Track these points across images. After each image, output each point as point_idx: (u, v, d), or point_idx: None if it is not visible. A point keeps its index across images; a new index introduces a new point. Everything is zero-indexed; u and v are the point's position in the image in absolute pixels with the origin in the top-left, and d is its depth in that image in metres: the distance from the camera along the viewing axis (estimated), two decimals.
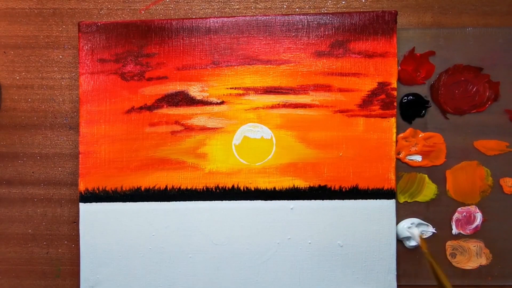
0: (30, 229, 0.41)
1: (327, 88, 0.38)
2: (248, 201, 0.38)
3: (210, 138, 0.39)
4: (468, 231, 0.39)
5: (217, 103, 0.39)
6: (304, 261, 0.38)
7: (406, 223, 0.39)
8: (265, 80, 0.38)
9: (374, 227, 0.38)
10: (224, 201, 0.38)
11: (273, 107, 0.38)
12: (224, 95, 0.38)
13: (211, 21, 0.38)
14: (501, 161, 0.39)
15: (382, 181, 0.38)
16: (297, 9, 0.40)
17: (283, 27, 0.38)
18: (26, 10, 0.41)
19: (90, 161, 0.39)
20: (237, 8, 0.40)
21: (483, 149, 0.39)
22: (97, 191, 0.39)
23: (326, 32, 0.38)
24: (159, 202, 0.39)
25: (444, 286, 0.33)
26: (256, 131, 0.38)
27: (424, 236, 0.39)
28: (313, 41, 0.38)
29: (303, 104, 0.38)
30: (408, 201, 0.39)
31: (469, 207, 0.39)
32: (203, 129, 0.39)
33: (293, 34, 0.38)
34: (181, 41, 0.38)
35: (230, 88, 0.39)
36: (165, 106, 0.39)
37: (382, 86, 0.38)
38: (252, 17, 0.38)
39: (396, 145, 0.38)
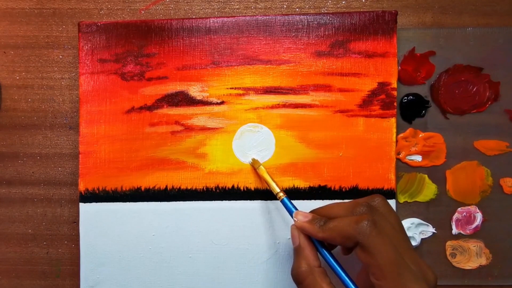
0: (30, 229, 0.41)
1: (327, 88, 0.38)
2: (248, 201, 0.38)
3: (210, 138, 0.39)
4: (468, 231, 0.39)
5: (217, 103, 0.39)
6: None
7: (406, 223, 0.39)
8: (265, 80, 0.38)
9: None
10: (224, 201, 0.38)
11: (273, 107, 0.38)
12: (224, 95, 0.38)
13: (211, 21, 0.38)
14: (501, 161, 0.39)
15: (382, 181, 0.38)
16: (297, 9, 0.40)
17: (283, 27, 0.38)
18: (26, 10, 0.41)
19: (90, 161, 0.39)
20: (237, 8, 0.40)
21: (483, 149, 0.39)
22: (97, 191, 0.39)
23: (326, 32, 0.38)
24: (159, 202, 0.39)
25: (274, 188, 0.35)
26: (256, 131, 0.38)
27: None
28: (313, 41, 0.38)
29: (303, 104, 0.38)
30: (408, 201, 0.39)
31: (469, 207, 0.39)
32: (203, 129, 0.39)
33: (293, 34, 0.38)
34: (181, 41, 0.38)
35: (230, 88, 0.39)
36: (165, 106, 0.39)
37: (382, 86, 0.38)
38: (252, 17, 0.38)
39: (396, 145, 0.38)
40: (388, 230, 0.29)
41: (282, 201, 0.34)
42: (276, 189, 0.35)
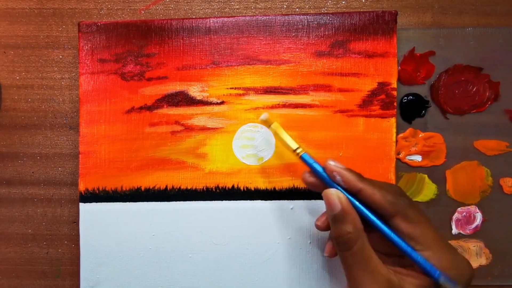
0: (30, 229, 0.41)
1: (327, 88, 0.38)
2: (248, 201, 0.38)
3: (210, 138, 0.39)
4: (468, 231, 0.39)
5: (217, 103, 0.39)
6: (304, 261, 0.38)
7: None
8: (265, 80, 0.38)
9: None
10: (224, 201, 0.38)
11: (273, 107, 0.38)
12: (224, 95, 0.39)
13: (211, 21, 0.38)
14: (501, 161, 0.39)
15: (382, 181, 0.38)
16: (297, 9, 0.40)
17: (283, 27, 0.38)
18: (26, 10, 0.41)
19: (90, 161, 0.39)
20: (237, 8, 0.40)
21: (483, 149, 0.39)
22: (97, 191, 0.39)
23: (326, 32, 0.38)
24: (159, 202, 0.39)
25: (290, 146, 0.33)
26: (256, 131, 0.38)
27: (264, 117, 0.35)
28: (313, 41, 0.38)
29: (303, 104, 0.38)
30: None
31: (469, 207, 0.39)
32: (203, 129, 0.39)
33: (293, 34, 0.38)
34: (181, 41, 0.38)
35: (230, 88, 0.39)
36: (165, 106, 0.39)
37: (382, 86, 0.38)
38: (252, 17, 0.38)
39: (396, 145, 0.38)
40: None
41: (302, 158, 0.32)
42: (293, 145, 0.33)
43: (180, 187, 0.39)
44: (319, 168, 0.32)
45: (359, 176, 0.31)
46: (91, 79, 0.39)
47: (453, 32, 0.39)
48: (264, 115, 0.34)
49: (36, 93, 0.41)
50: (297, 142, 0.33)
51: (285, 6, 0.40)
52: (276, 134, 0.34)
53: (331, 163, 0.31)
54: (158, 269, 0.39)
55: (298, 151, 0.33)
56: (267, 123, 0.35)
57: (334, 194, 0.30)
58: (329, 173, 0.31)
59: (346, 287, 0.30)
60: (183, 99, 0.39)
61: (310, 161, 0.33)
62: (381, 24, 0.38)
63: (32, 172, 0.41)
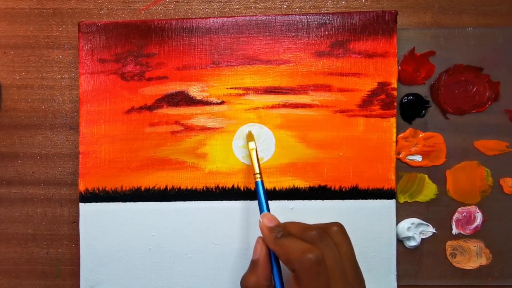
0: (30, 229, 0.41)
1: (327, 88, 0.38)
2: (248, 201, 0.38)
3: (210, 138, 0.39)
4: (468, 231, 0.39)
5: (217, 103, 0.39)
6: None
7: (406, 223, 0.39)
8: (265, 80, 0.38)
9: (374, 227, 0.38)
10: (224, 201, 0.38)
11: (273, 107, 0.38)
12: (224, 95, 0.39)
13: (211, 21, 0.38)
14: (501, 161, 0.39)
15: (382, 181, 0.38)
16: (297, 9, 0.40)
17: (283, 27, 0.38)
18: (26, 10, 0.41)
19: (90, 161, 0.39)
20: (237, 8, 0.40)
21: (483, 149, 0.39)
22: (97, 191, 0.39)
23: (326, 32, 0.38)
24: (159, 202, 0.39)
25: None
26: (256, 131, 0.38)
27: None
28: (313, 41, 0.38)
29: (303, 104, 0.38)
30: (408, 201, 0.39)
31: (469, 207, 0.39)
32: (203, 129, 0.39)
33: (293, 34, 0.38)
34: (181, 41, 0.38)
35: (230, 88, 0.39)
36: (165, 106, 0.39)
37: (382, 86, 0.38)
38: (252, 17, 0.38)
39: (396, 145, 0.38)
40: (331, 262, 0.29)
41: (256, 183, 0.34)
42: (256, 169, 0.35)
43: (180, 187, 0.39)
44: (263, 202, 0.34)
45: (277, 237, 0.31)
46: (91, 79, 0.39)
47: (453, 32, 0.39)
48: (248, 132, 0.38)
49: (36, 93, 0.41)
50: (260, 169, 0.35)
51: (285, 6, 0.40)
52: (249, 152, 0.36)
53: (261, 219, 0.33)
54: (158, 269, 0.39)
55: (257, 176, 0.34)
56: (249, 138, 0.37)
57: (260, 242, 0.33)
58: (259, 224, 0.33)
59: None
60: (183, 99, 0.39)
61: (260, 189, 0.34)
62: (381, 24, 0.38)
63: (32, 172, 0.41)
